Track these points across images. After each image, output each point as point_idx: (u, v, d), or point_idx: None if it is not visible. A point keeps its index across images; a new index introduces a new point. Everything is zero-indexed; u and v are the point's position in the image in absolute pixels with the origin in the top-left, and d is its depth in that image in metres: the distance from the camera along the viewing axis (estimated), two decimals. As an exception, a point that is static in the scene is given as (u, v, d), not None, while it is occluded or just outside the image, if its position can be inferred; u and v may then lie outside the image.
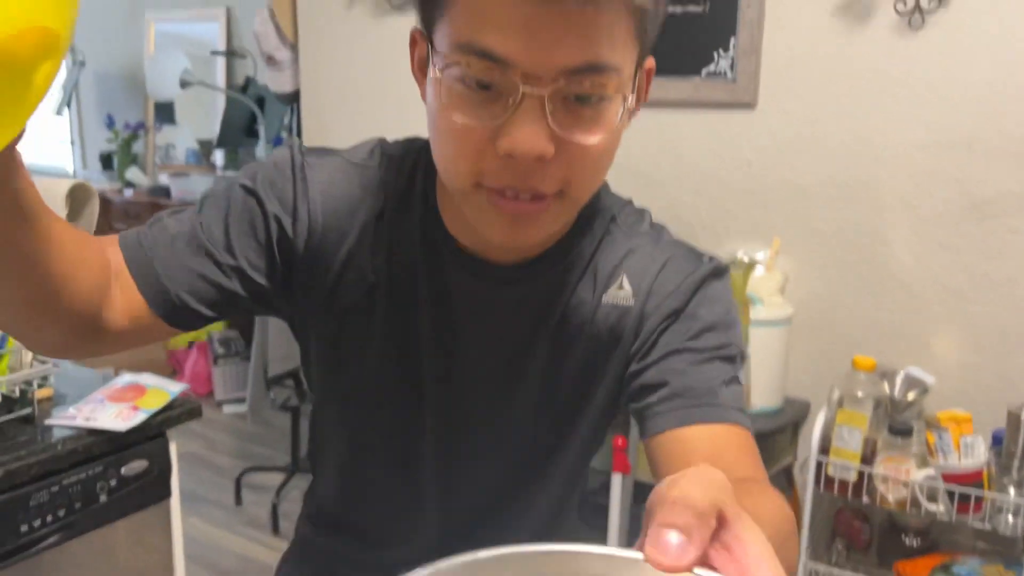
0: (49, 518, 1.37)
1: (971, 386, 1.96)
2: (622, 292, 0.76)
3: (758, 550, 0.36)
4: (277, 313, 0.81)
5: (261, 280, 0.75)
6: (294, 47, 3.03)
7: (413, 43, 0.71)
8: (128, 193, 4.59)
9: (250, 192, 0.76)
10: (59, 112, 4.70)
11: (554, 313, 0.77)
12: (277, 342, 3.05)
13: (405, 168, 0.77)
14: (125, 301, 0.68)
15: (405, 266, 0.77)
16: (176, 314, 0.72)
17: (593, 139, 0.64)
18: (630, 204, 0.82)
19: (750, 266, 2.04)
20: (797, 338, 2.14)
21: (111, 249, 0.68)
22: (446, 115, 0.64)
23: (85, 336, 0.64)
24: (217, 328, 4.13)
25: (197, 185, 4.31)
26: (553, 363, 0.78)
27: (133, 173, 4.75)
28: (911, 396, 1.91)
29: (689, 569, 0.34)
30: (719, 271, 0.78)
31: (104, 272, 0.64)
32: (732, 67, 2.09)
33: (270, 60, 3.06)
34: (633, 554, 0.36)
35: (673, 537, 0.35)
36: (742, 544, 0.36)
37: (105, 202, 4.14)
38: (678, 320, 0.74)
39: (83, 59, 4.70)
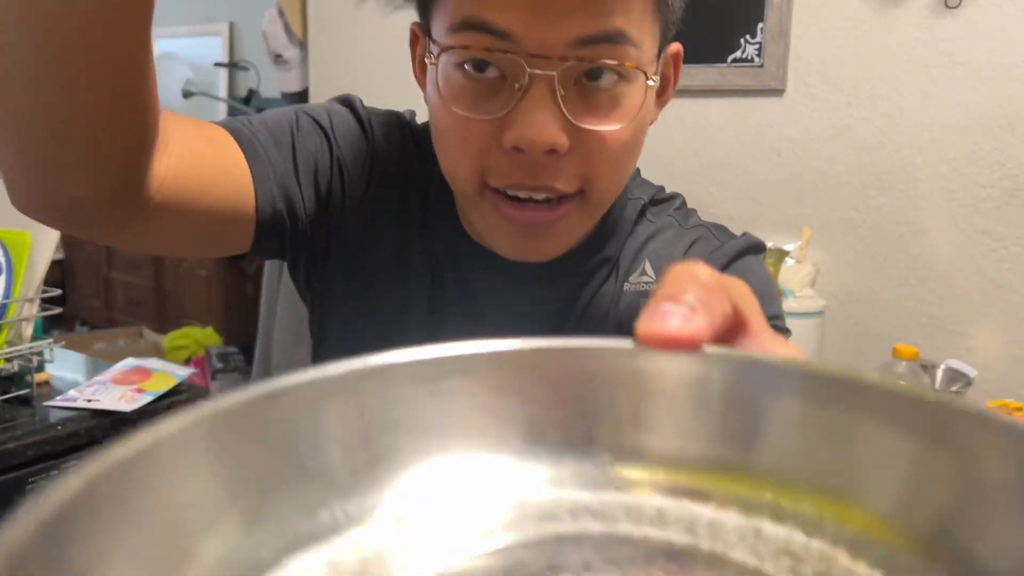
0: (47, 504, 1.27)
1: (1016, 380, 1.87)
2: (645, 277, 0.70)
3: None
4: (299, 269, 0.73)
5: (307, 226, 0.68)
6: (303, 45, 2.97)
7: (414, 40, 0.65)
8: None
9: (321, 129, 0.67)
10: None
11: (577, 307, 0.70)
12: (281, 349, 2.95)
13: (429, 155, 0.70)
14: (170, 178, 0.56)
15: (437, 257, 0.71)
16: (271, 222, 0.64)
17: (612, 126, 0.56)
18: (660, 190, 0.76)
19: (780, 257, 1.96)
20: (829, 332, 2.05)
21: (171, 121, 0.57)
22: (445, 108, 0.57)
23: (115, 197, 0.53)
24: (215, 343, 4.03)
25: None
26: None
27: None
28: (954, 390, 1.83)
29: (696, 345, 0.25)
30: (753, 247, 0.71)
31: (155, 130, 0.53)
32: (760, 52, 2.02)
33: (278, 59, 3.01)
34: (622, 343, 0.26)
35: (673, 307, 0.26)
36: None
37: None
38: None
39: (83, 73, 4.64)
